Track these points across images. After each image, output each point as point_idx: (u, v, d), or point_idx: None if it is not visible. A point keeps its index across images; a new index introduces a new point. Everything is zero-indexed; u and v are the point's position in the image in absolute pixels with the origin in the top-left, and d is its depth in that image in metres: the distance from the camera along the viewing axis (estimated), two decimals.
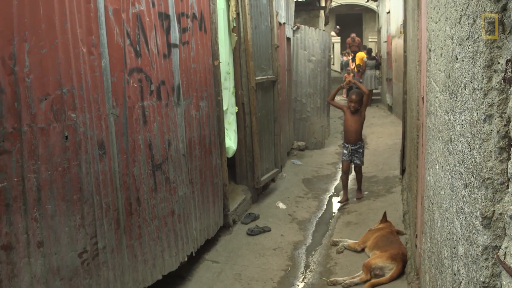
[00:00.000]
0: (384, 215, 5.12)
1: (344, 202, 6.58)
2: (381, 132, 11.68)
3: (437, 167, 2.06)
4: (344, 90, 19.52)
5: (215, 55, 4.93)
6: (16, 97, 2.44)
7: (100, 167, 3.07)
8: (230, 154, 5.57)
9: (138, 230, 3.49)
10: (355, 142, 6.53)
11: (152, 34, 3.66)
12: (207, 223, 4.72)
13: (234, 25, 5.82)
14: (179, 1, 4.12)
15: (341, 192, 6.84)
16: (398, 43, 11.29)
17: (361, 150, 6.58)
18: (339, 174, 8.68)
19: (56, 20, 2.67)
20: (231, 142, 5.58)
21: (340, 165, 9.50)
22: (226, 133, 5.52)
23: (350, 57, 19.54)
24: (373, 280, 4.14)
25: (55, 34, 2.67)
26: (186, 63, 4.26)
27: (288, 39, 9.19)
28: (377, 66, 17.17)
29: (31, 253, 2.56)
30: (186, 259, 4.20)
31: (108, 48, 3.14)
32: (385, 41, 15.77)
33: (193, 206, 4.36)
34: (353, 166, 6.83)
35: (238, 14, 5.87)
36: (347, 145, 6.56)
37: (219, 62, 5.02)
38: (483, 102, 1.11)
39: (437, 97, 2.08)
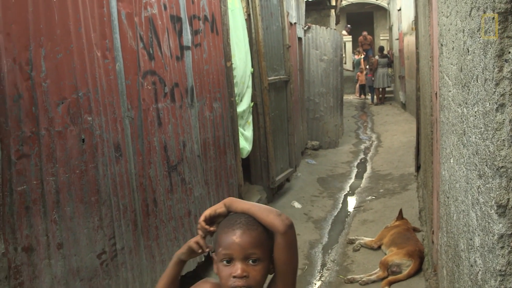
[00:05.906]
0: (400, 212, 5.10)
1: None
2: (395, 130, 11.62)
3: (451, 161, 2.06)
4: (357, 87, 19.35)
5: (227, 56, 4.96)
6: (34, 101, 2.49)
7: (117, 169, 3.11)
8: (245, 154, 5.59)
9: (155, 231, 3.53)
10: None
11: (164, 37, 3.70)
12: None
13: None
14: (191, 4, 4.16)
15: None
16: (410, 40, 11.23)
17: None
18: (354, 172, 8.67)
19: (70, 25, 2.72)
20: (245, 143, 5.60)
21: (355, 164, 9.40)
22: (242, 134, 5.53)
23: (362, 56, 19.47)
24: (391, 277, 4.13)
25: (70, 39, 2.71)
26: (199, 64, 4.29)
27: (300, 39, 9.19)
28: (389, 64, 17.10)
29: (51, 255, 2.60)
30: (203, 259, 4.22)
31: (122, 51, 3.18)
32: (397, 39, 15.69)
33: (209, 206, 4.37)
34: None
35: (249, 15, 5.90)
36: None
37: (231, 63, 5.05)
38: (495, 92, 1.12)
39: (450, 91, 2.08)
